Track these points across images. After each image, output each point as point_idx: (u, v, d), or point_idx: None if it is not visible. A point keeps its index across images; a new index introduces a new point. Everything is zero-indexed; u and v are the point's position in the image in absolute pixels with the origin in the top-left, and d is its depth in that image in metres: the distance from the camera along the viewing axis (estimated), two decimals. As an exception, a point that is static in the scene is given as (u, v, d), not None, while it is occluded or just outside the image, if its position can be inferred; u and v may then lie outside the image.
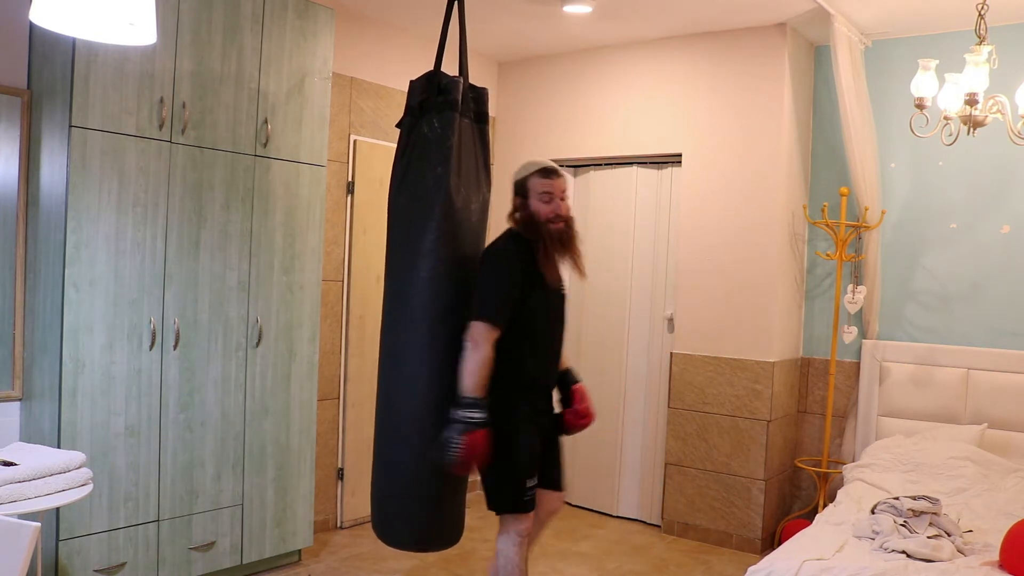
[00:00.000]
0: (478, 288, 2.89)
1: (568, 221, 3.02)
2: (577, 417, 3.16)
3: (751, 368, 4.49)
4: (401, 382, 3.00)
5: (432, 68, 3.32)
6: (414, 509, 3.04)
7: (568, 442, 5.29)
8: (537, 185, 2.97)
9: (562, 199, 2.99)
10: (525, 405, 2.95)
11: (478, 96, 3.31)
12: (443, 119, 3.11)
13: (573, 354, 5.32)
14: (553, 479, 3.14)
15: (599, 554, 4.40)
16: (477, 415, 2.74)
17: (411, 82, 3.31)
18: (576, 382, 3.19)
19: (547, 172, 3.00)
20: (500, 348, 2.86)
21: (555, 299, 3.06)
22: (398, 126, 3.39)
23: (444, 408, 2.88)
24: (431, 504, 3.04)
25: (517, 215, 3.00)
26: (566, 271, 3.10)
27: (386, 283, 3.35)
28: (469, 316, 2.85)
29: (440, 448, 2.75)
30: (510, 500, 2.93)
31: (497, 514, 2.99)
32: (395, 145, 4.84)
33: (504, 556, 2.96)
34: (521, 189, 3.01)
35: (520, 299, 2.87)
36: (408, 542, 3.13)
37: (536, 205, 2.96)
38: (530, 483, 2.95)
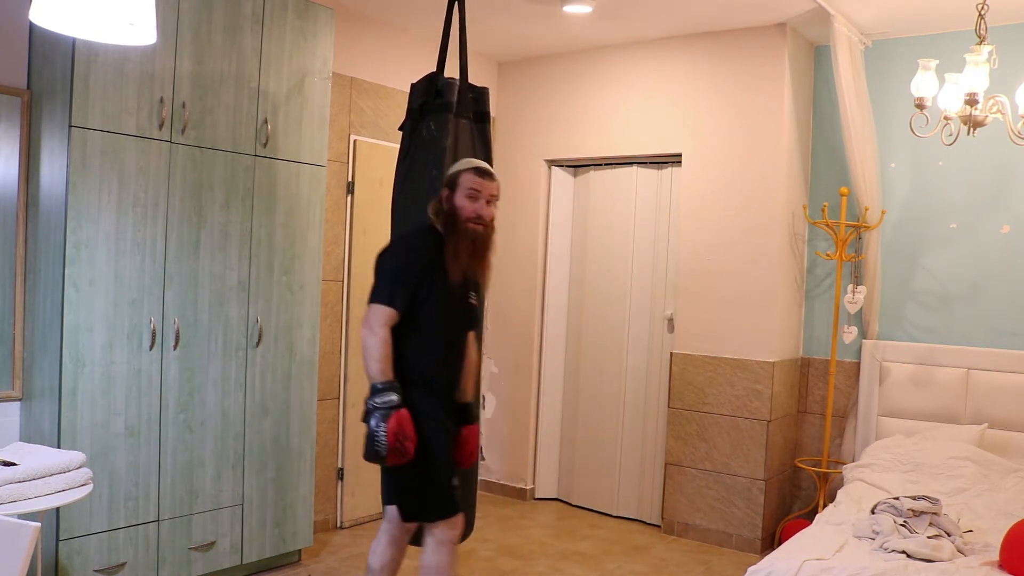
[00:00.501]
0: (376, 273, 2.83)
1: (488, 226, 2.91)
2: (459, 456, 2.98)
3: (751, 368, 4.49)
4: None
5: (434, 69, 3.33)
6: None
7: (568, 442, 5.32)
8: (467, 181, 2.88)
9: (488, 202, 2.90)
10: (428, 403, 2.83)
11: (478, 96, 3.31)
12: (438, 121, 3.12)
13: (573, 354, 5.33)
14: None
15: (599, 554, 4.40)
16: (393, 397, 2.67)
17: (412, 85, 3.32)
18: (471, 423, 3.03)
19: (481, 171, 2.92)
20: (397, 342, 2.78)
21: (458, 300, 2.93)
22: (401, 129, 3.39)
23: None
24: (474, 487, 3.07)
25: (439, 207, 2.91)
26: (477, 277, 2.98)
27: None
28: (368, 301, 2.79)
29: (369, 443, 2.66)
30: (439, 504, 2.81)
31: (427, 522, 2.84)
32: (395, 145, 4.87)
33: (440, 571, 2.82)
34: (451, 182, 2.91)
35: (418, 290, 2.79)
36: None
37: (460, 200, 2.87)
38: (455, 481, 2.85)
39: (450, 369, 2.95)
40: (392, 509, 2.91)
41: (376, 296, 2.77)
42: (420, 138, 3.24)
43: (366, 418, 2.69)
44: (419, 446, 2.74)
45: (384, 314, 2.74)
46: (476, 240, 2.87)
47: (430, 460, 2.80)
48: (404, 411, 2.68)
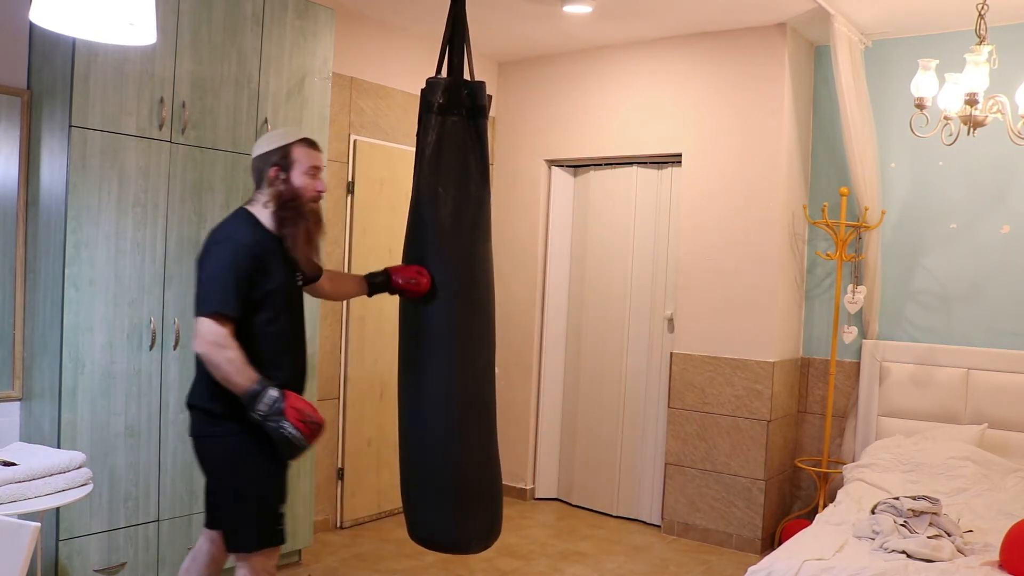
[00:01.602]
0: (201, 280, 2.48)
1: (319, 203, 2.67)
2: (408, 281, 2.79)
3: (751, 368, 4.49)
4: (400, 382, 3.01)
5: (444, 72, 3.31)
6: (486, 502, 3.02)
7: (568, 442, 5.32)
8: (304, 157, 2.61)
9: (320, 176, 2.68)
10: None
11: (472, 91, 3.27)
12: (424, 121, 3.10)
13: (573, 354, 5.33)
14: None
15: (599, 554, 4.40)
16: (274, 393, 2.41)
17: (421, 90, 3.30)
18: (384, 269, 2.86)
19: (312, 143, 2.66)
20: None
21: (297, 292, 2.70)
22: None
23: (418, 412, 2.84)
24: (498, 494, 3.05)
25: (274, 189, 2.59)
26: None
27: None
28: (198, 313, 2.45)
29: (286, 446, 2.44)
30: (263, 534, 2.58)
31: (244, 552, 2.58)
32: (395, 145, 4.87)
33: None
34: (283, 159, 2.59)
35: (254, 293, 2.50)
36: (478, 538, 3.10)
37: (300, 179, 2.59)
38: (282, 508, 2.63)
39: (303, 367, 2.73)
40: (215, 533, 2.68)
41: (210, 306, 2.43)
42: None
43: (262, 427, 2.44)
44: (260, 470, 2.56)
45: (224, 327, 2.43)
46: (318, 221, 2.66)
47: (283, 482, 2.63)
48: (290, 395, 2.46)
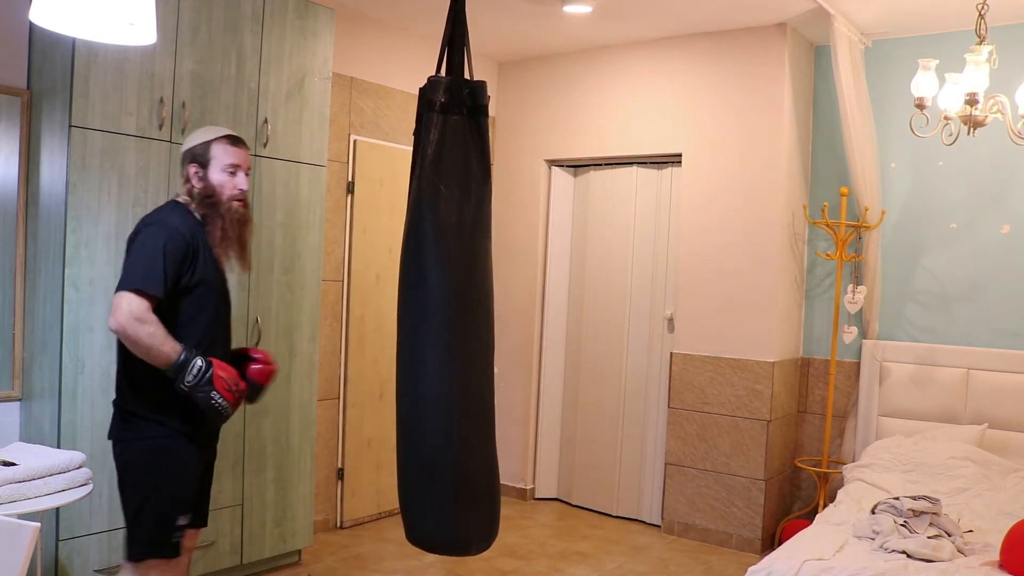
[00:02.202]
0: (127, 260, 2.46)
1: (247, 201, 2.65)
2: (261, 363, 2.69)
3: (751, 368, 4.49)
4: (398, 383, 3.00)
5: (446, 71, 3.31)
6: (485, 503, 3.01)
7: (568, 441, 5.32)
8: (222, 154, 2.57)
9: (247, 173, 2.63)
10: (178, 418, 2.48)
11: (473, 90, 3.27)
12: (425, 120, 3.09)
13: (573, 354, 5.33)
14: (201, 515, 2.71)
15: (599, 554, 4.40)
16: (198, 363, 2.38)
17: (421, 89, 3.30)
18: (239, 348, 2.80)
19: (235, 140, 2.61)
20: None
21: (221, 292, 2.66)
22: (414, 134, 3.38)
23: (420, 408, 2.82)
24: (496, 495, 3.03)
25: (190, 187, 2.57)
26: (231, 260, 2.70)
27: None
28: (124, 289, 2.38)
29: (215, 415, 2.43)
30: (153, 542, 2.46)
31: (134, 561, 2.48)
32: (395, 145, 4.87)
33: None
34: (200, 157, 2.57)
35: (183, 280, 2.47)
36: (478, 540, 3.09)
37: (218, 177, 2.56)
38: (182, 521, 2.50)
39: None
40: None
41: (129, 283, 2.37)
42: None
43: (189, 399, 2.42)
44: (167, 477, 2.48)
45: (143, 302, 2.36)
46: (241, 220, 2.62)
47: (187, 491, 2.54)
48: (215, 364, 2.43)
